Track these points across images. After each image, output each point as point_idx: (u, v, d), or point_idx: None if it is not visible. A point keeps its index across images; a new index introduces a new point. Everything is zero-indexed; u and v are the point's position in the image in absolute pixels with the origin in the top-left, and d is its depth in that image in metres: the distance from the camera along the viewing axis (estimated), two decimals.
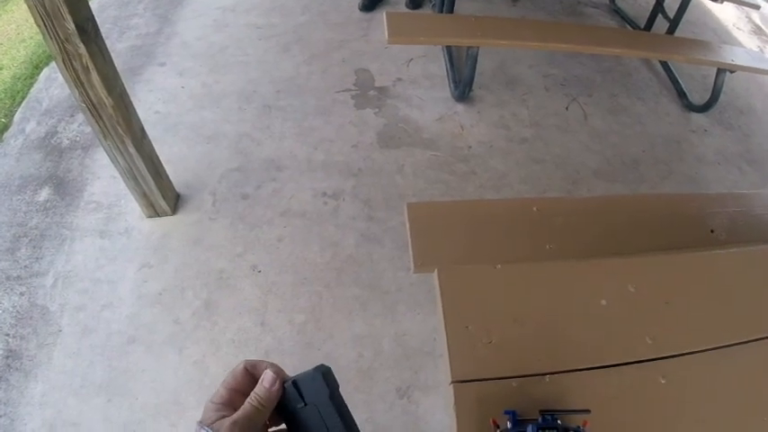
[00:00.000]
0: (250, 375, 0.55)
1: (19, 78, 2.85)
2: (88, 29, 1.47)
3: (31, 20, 1.40)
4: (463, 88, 2.82)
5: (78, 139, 2.51)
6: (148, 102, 2.70)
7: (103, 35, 1.58)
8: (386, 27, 2.43)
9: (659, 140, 2.87)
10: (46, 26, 1.38)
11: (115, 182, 2.17)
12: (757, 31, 4.36)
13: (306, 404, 0.52)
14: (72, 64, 1.50)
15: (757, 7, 3.74)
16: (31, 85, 2.83)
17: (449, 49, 3.14)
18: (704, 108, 3.07)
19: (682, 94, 3.19)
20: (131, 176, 1.93)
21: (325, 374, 0.52)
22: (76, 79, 1.55)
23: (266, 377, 0.53)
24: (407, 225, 1.34)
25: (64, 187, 2.28)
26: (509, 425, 0.82)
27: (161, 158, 2.05)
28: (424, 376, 1.77)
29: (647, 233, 1.48)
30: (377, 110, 2.79)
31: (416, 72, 3.07)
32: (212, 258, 2.05)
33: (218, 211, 2.21)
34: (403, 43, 2.97)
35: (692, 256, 1.34)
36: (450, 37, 2.69)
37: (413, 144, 2.61)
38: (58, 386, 1.68)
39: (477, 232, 1.40)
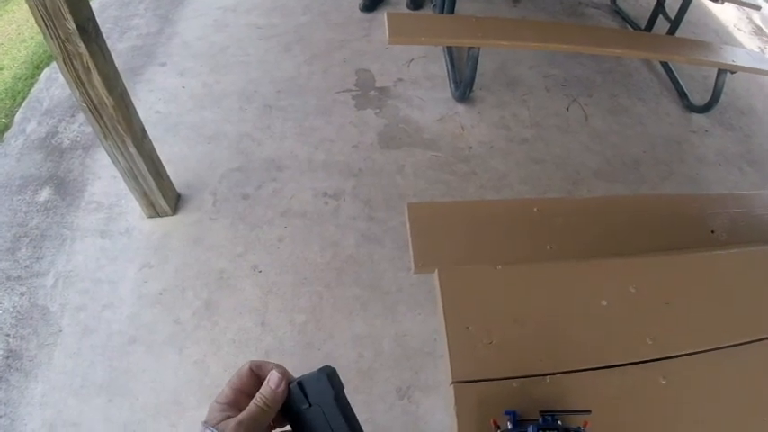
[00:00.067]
0: (255, 376, 0.55)
1: (20, 78, 2.85)
2: (89, 29, 1.47)
3: (32, 20, 1.40)
4: (464, 89, 2.82)
5: (79, 139, 2.51)
6: (149, 102, 2.70)
7: (104, 35, 1.58)
8: (387, 27, 2.43)
9: (660, 141, 2.87)
10: (47, 26, 1.38)
11: (116, 182, 2.18)
12: (758, 31, 4.36)
13: (310, 405, 0.52)
14: (73, 64, 1.50)
15: (758, 8, 3.74)
16: (32, 85, 2.84)
17: (449, 50, 3.14)
18: (705, 109, 3.07)
19: (682, 95, 3.18)
20: (132, 176, 1.93)
21: (329, 376, 0.52)
22: (77, 79, 1.55)
23: (272, 378, 0.53)
24: (408, 225, 1.34)
25: (64, 187, 2.28)
26: (509, 425, 0.82)
27: (162, 158, 2.05)
28: (424, 376, 1.77)
29: (647, 234, 1.48)
30: (377, 110, 2.79)
31: (417, 72, 3.07)
32: (213, 258, 2.05)
33: (218, 211, 2.21)
34: (404, 44, 2.97)
35: (692, 256, 1.34)
36: (451, 37, 2.69)
37: (413, 144, 2.61)
38: (58, 386, 1.68)
39: (477, 233, 1.40)
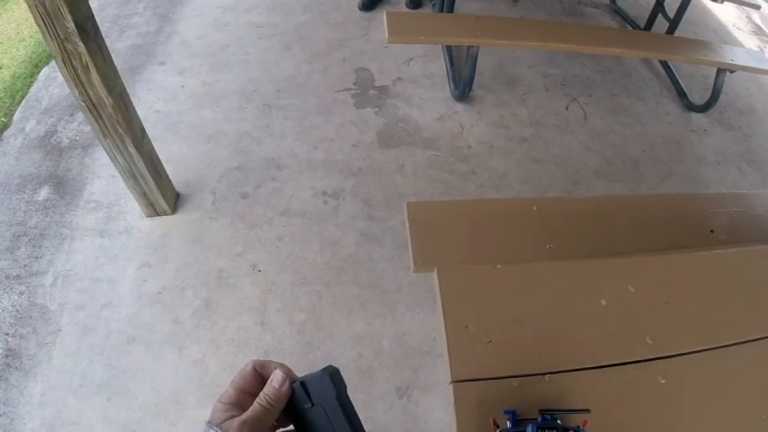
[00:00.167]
0: (258, 375, 0.55)
1: (18, 77, 2.84)
2: (88, 28, 1.46)
3: (31, 19, 1.40)
4: (463, 88, 2.81)
5: (78, 138, 2.51)
6: (148, 101, 2.70)
7: (103, 34, 1.58)
8: (386, 26, 2.43)
9: (659, 140, 2.87)
10: (46, 25, 1.38)
11: (115, 181, 2.17)
12: (757, 30, 4.36)
13: (313, 405, 0.52)
14: (72, 63, 1.49)
15: (757, 7, 3.74)
16: (31, 84, 2.83)
17: (449, 49, 3.14)
18: (704, 108, 3.07)
19: (682, 94, 3.19)
20: (131, 175, 1.93)
21: (332, 376, 0.52)
22: (76, 78, 1.54)
23: (276, 377, 0.53)
24: (407, 224, 1.34)
25: (63, 186, 2.28)
26: (509, 424, 0.82)
27: (161, 157, 2.05)
28: (423, 376, 1.77)
29: (647, 233, 1.48)
30: (377, 109, 2.79)
31: (416, 71, 3.07)
32: (212, 257, 2.05)
33: (217, 211, 2.21)
34: (403, 43, 2.97)
35: (692, 256, 1.34)
36: (451, 36, 2.69)
37: (413, 143, 2.61)
38: (57, 385, 1.68)
39: (476, 232, 1.40)
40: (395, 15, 2.62)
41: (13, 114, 2.63)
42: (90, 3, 1.49)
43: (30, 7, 1.34)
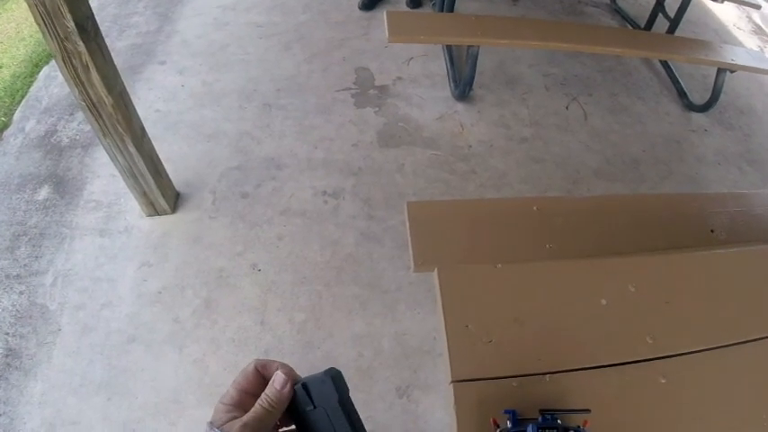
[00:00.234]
0: (260, 376, 0.54)
1: (18, 77, 2.84)
2: (88, 27, 1.46)
3: (31, 18, 1.40)
4: (463, 87, 2.81)
5: (78, 137, 2.50)
6: (148, 100, 2.70)
7: (103, 33, 1.58)
8: (386, 26, 2.43)
9: (659, 140, 2.87)
10: (46, 24, 1.38)
11: (115, 180, 2.17)
12: (758, 30, 4.36)
13: (315, 407, 0.52)
14: (72, 62, 1.49)
15: (758, 7, 3.74)
16: (31, 83, 2.83)
17: (449, 48, 3.14)
18: (704, 108, 3.07)
19: (682, 94, 3.18)
20: (131, 175, 1.93)
21: (334, 378, 0.52)
22: (76, 78, 1.54)
23: (277, 379, 0.52)
24: (407, 224, 1.34)
25: (63, 186, 2.27)
26: (509, 424, 0.82)
27: (161, 157, 2.05)
28: (423, 375, 1.77)
29: (647, 233, 1.48)
30: (377, 109, 2.78)
31: (416, 71, 3.07)
32: (212, 257, 2.05)
33: (217, 210, 2.21)
34: (403, 42, 2.97)
35: (692, 255, 1.34)
36: (451, 36, 2.68)
37: (413, 143, 2.61)
38: (57, 385, 1.68)
39: (477, 231, 1.40)
40: (395, 15, 2.61)
41: (13, 114, 2.63)
42: (90, 2, 1.49)
43: (30, 6, 1.34)
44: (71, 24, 1.38)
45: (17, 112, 2.65)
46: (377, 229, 2.19)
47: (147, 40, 3.14)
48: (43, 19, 1.36)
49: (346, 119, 2.71)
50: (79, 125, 2.55)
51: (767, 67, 2.97)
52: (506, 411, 0.83)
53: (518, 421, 0.82)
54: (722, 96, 3.00)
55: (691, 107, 3.12)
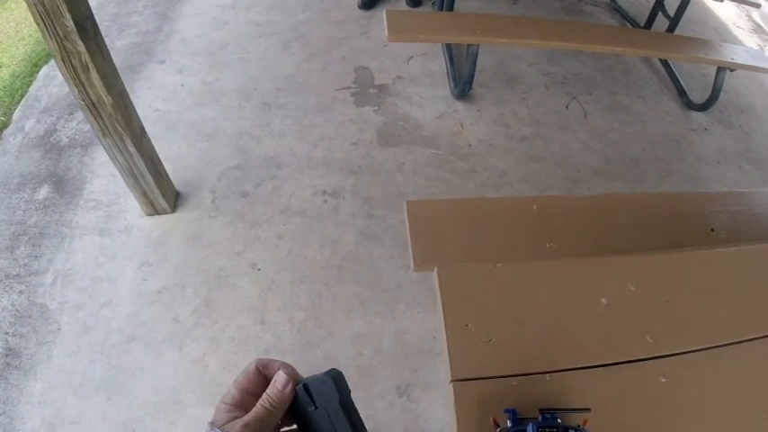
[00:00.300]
0: (262, 375, 0.54)
1: (18, 76, 2.84)
2: (87, 27, 1.46)
3: (30, 18, 1.39)
4: (463, 86, 2.81)
5: (77, 137, 2.50)
6: (148, 99, 2.70)
7: (102, 33, 1.58)
8: (386, 25, 2.43)
9: (659, 139, 2.87)
10: (45, 24, 1.38)
11: (114, 180, 2.17)
12: (757, 29, 4.35)
13: (316, 408, 0.52)
14: (71, 62, 1.49)
15: (758, 6, 3.74)
16: (31, 83, 2.83)
17: (449, 47, 3.14)
18: (704, 107, 3.07)
19: (682, 93, 3.18)
20: (131, 174, 1.93)
21: (335, 379, 0.52)
22: (76, 77, 1.54)
23: (279, 378, 0.52)
24: (407, 223, 1.34)
25: (63, 185, 2.27)
26: (509, 423, 0.82)
27: (160, 156, 2.05)
28: (423, 374, 1.77)
29: (647, 232, 1.48)
30: (377, 107, 2.78)
31: (416, 70, 3.07)
32: (212, 256, 2.05)
33: (217, 209, 2.21)
34: (403, 41, 2.96)
35: (692, 254, 1.34)
36: (451, 35, 2.68)
37: (413, 142, 2.61)
38: (57, 384, 1.68)
39: (477, 230, 1.40)
40: (394, 14, 2.61)
41: (13, 113, 2.63)
42: (89, 1, 1.48)
43: (29, 6, 1.34)
44: (70, 24, 1.38)
45: (17, 111, 2.64)
46: (377, 228, 2.19)
47: (146, 40, 3.13)
48: (42, 18, 1.36)
49: (346, 118, 2.71)
50: (79, 124, 2.55)
51: (767, 65, 2.97)
52: (506, 410, 0.83)
53: (518, 420, 0.82)
54: (722, 95, 2.99)
55: (690, 106, 3.12)
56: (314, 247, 2.11)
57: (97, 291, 1.92)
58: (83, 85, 1.57)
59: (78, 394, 1.66)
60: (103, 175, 2.30)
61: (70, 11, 1.35)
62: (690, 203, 1.64)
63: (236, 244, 2.09)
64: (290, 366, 0.54)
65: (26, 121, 2.58)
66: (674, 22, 3.37)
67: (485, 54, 2.91)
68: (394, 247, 2.12)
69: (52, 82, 2.81)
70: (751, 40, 4.14)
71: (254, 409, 0.51)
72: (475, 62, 2.65)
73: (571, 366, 0.97)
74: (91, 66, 1.51)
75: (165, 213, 2.15)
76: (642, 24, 3.72)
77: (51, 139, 2.48)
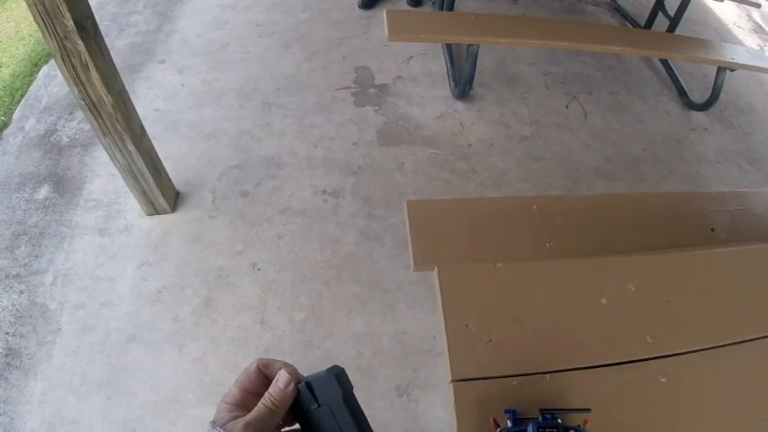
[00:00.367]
0: (263, 375, 0.54)
1: (18, 76, 2.84)
2: (87, 26, 1.46)
3: (30, 18, 1.39)
4: (463, 86, 2.81)
5: (77, 136, 2.50)
6: (148, 99, 2.70)
7: (102, 32, 1.58)
8: (386, 25, 2.42)
9: (659, 139, 2.87)
10: (45, 24, 1.38)
11: (114, 180, 2.17)
12: (758, 29, 4.35)
13: (319, 405, 0.52)
14: (71, 61, 1.49)
15: (758, 6, 3.74)
16: (31, 82, 2.83)
17: (449, 47, 3.14)
18: (704, 106, 3.07)
19: (682, 93, 3.18)
20: (131, 174, 1.93)
21: (338, 376, 0.52)
22: (76, 77, 1.54)
23: (281, 377, 0.52)
24: (407, 223, 1.34)
25: (63, 185, 2.27)
26: (509, 424, 0.82)
27: (160, 156, 2.05)
28: (423, 374, 1.77)
29: (647, 232, 1.48)
30: (377, 107, 2.78)
31: (416, 70, 3.07)
32: (212, 256, 2.05)
33: (217, 209, 2.21)
34: (403, 41, 2.96)
35: (692, 254, 1.34)
36: (451, 35, 2.68)
37: (413, 142, 2.61)
38: (57, 384, 1.68)
39: (477, 230, 1.40)
40: (395, 13, 2.61)
41: (13, 113, 2.63)
42: (89, 1, 1.48)
43: (29, 6, 1.34)
44: (70, 23, 1.38)
45: (17, 111, 2.64)
46: (377, 227, 2.19)
47: (146, 39, 3.13)
48: (42, 18, 1.36)
49: (346, 117, 2.71)
50: (79, 124, 2.55)
51: (767, 65, 2.97)
52: (506, 411, 0.83)
53: (518, 421, 0.82)
54: (722, 95, 2.99)
55: (691, 106, 3.12)
56: (314, 246, 2.11)
57: (97, 290, 1.92)
58: (83, 84, 1.57)
59: (78, 394, 1.66)
60: (103, 175, 2.30)
61: (70, 10, 1.35)
62: (690, 203, 1.63)
63: (236, 244, 2.09)
64: (292, 366, 0.54)
65: (26, 120, 2.58)
66: (674, 21, 3.37)
67: (485, 54, 2.91)
68: (394, 247, 2.12)
69: (52, 82, 2.81)
70: (751, 40, 4.13)
71: (255, 409, 0.51)
72: (475, 62, 2.65)
73: (571, 366, 0.97)
74: (91, 65, 1.51)
75: (165, 213, 2.15)
76: (642, 24, 3.72)
77: (51, 139, 2.48)
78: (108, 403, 1.64)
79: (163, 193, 2.06)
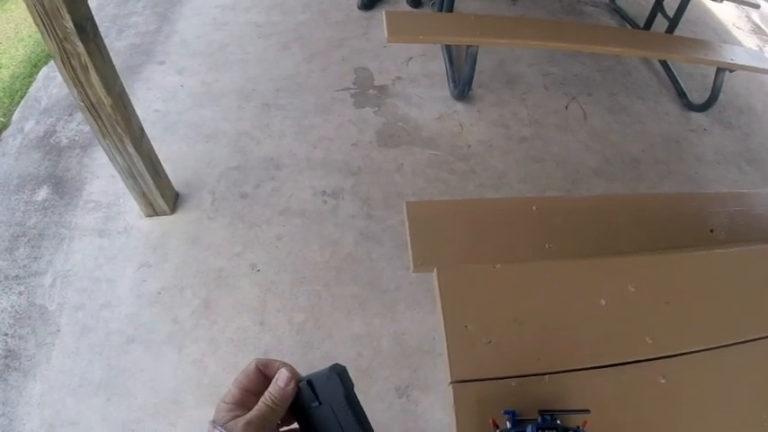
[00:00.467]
0: (262, 375, 0.54)
1: (17, 77, 2.84)
2: (87, 28, 1.46)
3: (30, 19, 1.39)
4: (463, 87, 2.81)
5: (77, 138, 2.50)
6: (147, 100, 2.70)
7: (102, 34, 1.58)
8: (385, 26, 2.43)
9: (659, 140, 2.87)
10: (44, 25, 1.38)
11: (114, 181, 2.17)
12: (757, 30, 4.36)
13: (320, 403, 0.52)
14: (71, 63, 1.49)
15: (757, 6, 3.74)
16: (30, 84, 2.83)
17: (448, 48, 3.14)
18: (704, 107, 3.07)
19: (681, 94, 3.18)
20: (130, 175, 1.93)
21: (340, 374, 0.52)
22: (75, 78, 1.54)
23: (281, 376, 0.53)
24: (407, 224, 1.34)
25: (62, 186, 2.27)
26: (508, 425, 0.82)
27: (160, 157, 2.05)
28: (423, 375, 1.77)
29: (646, 232, 1.48)
30: (376, 108, 2.78)
31: (416, 71, 3.07)
32: (211, 257, 2.05)
33: (217, 210, 2.21)
34: (402, 42, 2.96)
35: (691, 255, 1.34)
36: (450, 36, 2.68)
37: (412, 143, 2.61)
38: (56, 386, 1.68)
39: (476, 231, 1.40)
40: (394, 15, 2.61)
41: (12, 114, 2.63)
42: (89, 2, 1.48)
43: (28, 7, 1.34)
44: (70, 25, 1.38)
45: (16, 112, 2.64)
46: (376, 228, 2.19)
47: (145, 41, 3.13)
48: (42, 19, 1.36)
49: (345, 119, 2.71)
50: (78, 126, 2.55)
51: (766, 66, 2.97)
52: (506, 412, 0.83)
53: (517, 422, 0.82)
54: (721, 96, 3.00)
55: (690, 107, 3.12)
56: (313, 247, 2.11)
57: (96, 292, 1.92)
58: (82, 86, 1.57)
59: (78, 395, 1.66)
60: (103, 177, 2.30)
61: (70, 12, 1.35)
62: (689, 204, 1.64)
63: (235, 245, 2.09)
64: (291, 366, 0.55)
65: (26, 122, 2.58)
66: (673, 22, 3.37)
67: (484, 55, 2.92)
68: (393, 248, 2.12)
69: (52, 83, 2.81)
70: (750, 41, 4.14)
71: (256, 407, 0.51)
72: (474, 63, 2.65)
73: (571, 367, 0.97)
74: (90, 67, 1.51)
75: (165, 214, 2.15)
76: (641, 25, 3.73)
77: (51, 141, 2.48)
78: (107, 404, 1.64)
79: (162, 195, 2.06)
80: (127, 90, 1.77)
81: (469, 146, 2.63)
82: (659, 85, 3.28)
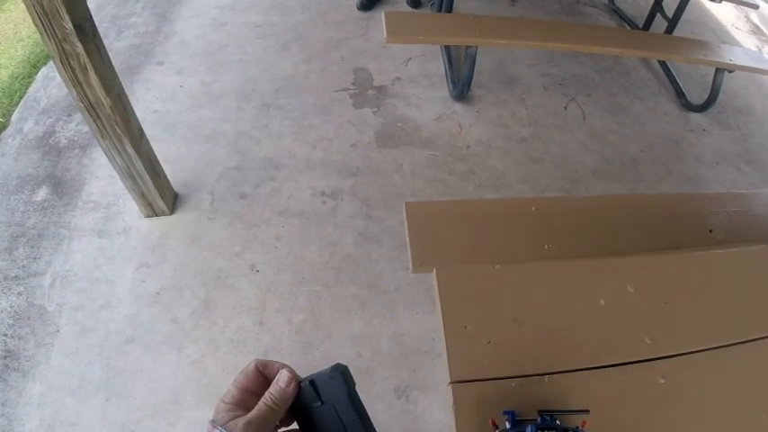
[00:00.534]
0: (261, 375, 0.54)
1: (17, 78, 2.84)
2: (86, 28, 1.46)
3: (29, 19, 1.39)
4: (462, 87, 2.81)
5: (76, 138, 2.50)
6: (146, 101, 2.69)
7: (101, 34, 1.58)
8: (384, 26, 2.43)
9: (658, 140, 2.87)
10: (44, 25, 1.38)
11: (113, 181, 2.17)
12: (756, 30, 4.36)
13: (323, 403, 0.52)
14: (70, 63, 1.49)
15: (756, 7, 3.74)
16: (29, 84, 2.82)
17: (447, 49, 3.14)
18: (703, 108, 3.07)
19: (680, 94, 3.19)
20: (129, 176, 1.92)
21: (343, 373, 0.52)
22: (74, 79, 1.54)
23: (282, 377, 0.53)
24: (406, 224, 1.34)
25: (62, 187, 2.27)
26: (508, 425, 0.82)
27: (159, 158, 2.05)
28: (422, 375, 1.77)
29: (645, 233, 1.48)
30: (375, 109, 2.78)
31: (415, 71, 3.07)
32: (210, 258, 2.04)
33: (216, 211, 2.21)
34: (402, 42, 2.97)
35: (690, 255, 1.34)
36: (449, 36, 2.68)
37: (411, 143, 2.61)
38: (56, 386, 1.68)
39: (475, 232, 1.40)
40: (393, 15, 2.61)
41: (12, 115, 2.62)
42: (88, 3, 1.48)
43: (28, 7, 1.34)
44: (69, 25, 1.38)
45: (15, 112, 2.64)
46: (375, 229, 2.19)
47: (145, 41, 3.13)
48: (41, 20, 1.36)
49: (345, 119, 2.71)
50: (77, 126, 2.54)
51: (765, 66, 2.98)
52: (505, 412, 0.83)
53: (517, 422, 0.82)
54: (720, 96, 3.00)
55: (689, 107, 3.12)
56: (313, 248, 2.11)
57: (96, 292, 1.92)
58: (81, 86, 1.57)
59: (77, 396, 1.66)
60: (102, 177, 2.30)
61: (69, 12, 1.35)
62: (688, 204, 1.64)
63: (234, 245, 2.09)
64: (290, 367, 0.55)
65: (25, 122, 2.58)
66: (672, 23, 3.38)
67: (483, 55, 2.92)
68: (393, 249, 2.12)
69: (51, 83, 2.81)
70: (749, 42, 4.14)
71: (256, 407, 0.51)
72: (473, 63, 2.65)
73: (570, 368, 0.97)
74: (89, 67, 1.51)
75: (164, 215, 2.15)
76: (641, 26, 3.73)
77: (50, 141, 2.48)
78: (107, 405, 1.64)
79: (161, 195, 2.06)
80: (126, 90, 1.77)
81: (468, 146, 2.63)
82: (658, 86, 3.28)
